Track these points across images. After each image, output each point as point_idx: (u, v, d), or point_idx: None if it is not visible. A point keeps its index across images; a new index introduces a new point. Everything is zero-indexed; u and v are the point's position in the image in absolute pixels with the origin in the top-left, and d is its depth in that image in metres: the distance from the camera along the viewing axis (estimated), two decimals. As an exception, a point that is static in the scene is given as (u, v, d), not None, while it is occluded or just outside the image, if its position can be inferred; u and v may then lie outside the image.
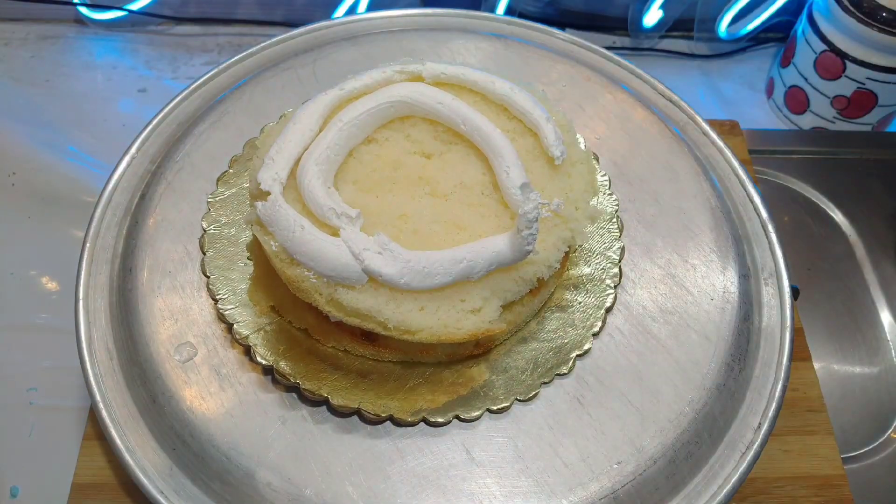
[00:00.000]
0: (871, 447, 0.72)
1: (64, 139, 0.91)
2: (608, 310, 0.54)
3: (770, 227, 0.60)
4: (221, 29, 1.06)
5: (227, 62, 0.68)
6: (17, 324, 0.77)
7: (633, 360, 0.52)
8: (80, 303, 0.55)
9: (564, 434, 0.49)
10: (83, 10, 1.02)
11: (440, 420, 0.49)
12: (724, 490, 0.49)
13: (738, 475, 0.50)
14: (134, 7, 1.02)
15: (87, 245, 0.57)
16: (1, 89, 0.96)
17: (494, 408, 0.50)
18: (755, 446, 0.51)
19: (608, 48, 0.71)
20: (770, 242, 0.60)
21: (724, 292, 0.55)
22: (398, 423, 0.49)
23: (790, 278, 0.58)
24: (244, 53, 0.68)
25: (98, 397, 0.51)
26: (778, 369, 0.54)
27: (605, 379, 0.52)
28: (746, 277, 0.57)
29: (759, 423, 0.52)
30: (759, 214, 0.61)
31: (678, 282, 0.56)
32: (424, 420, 0.49)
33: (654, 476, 0.49)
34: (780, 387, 0.53)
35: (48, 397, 0.72)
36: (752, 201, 0.62)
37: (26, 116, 0.93)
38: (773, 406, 0.53)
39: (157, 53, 1.03)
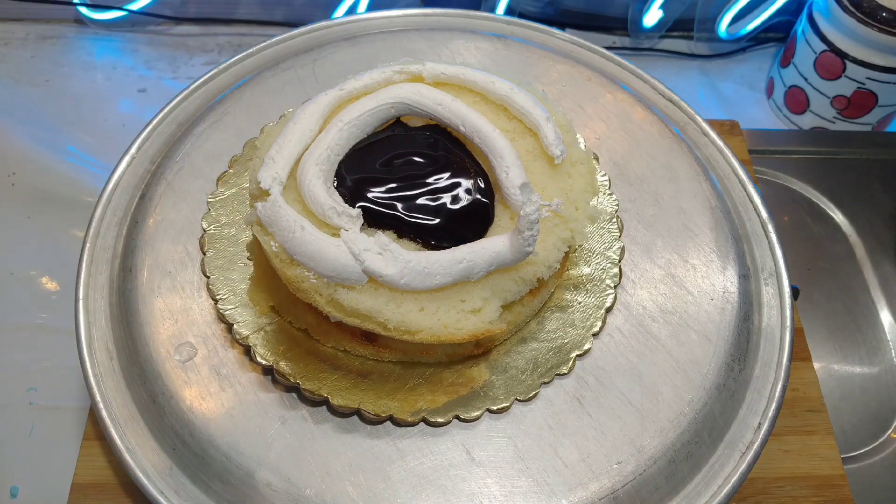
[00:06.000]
0: (871, 447, 0.72)
1: (64, 139, 0.91)
2: (608, 310, 0.54)
3: (770, 227, 0.60)
4: (221, 29, 1.06)
5: (227, 62, 0.68)
6: (17, 324, 0.77)
7: (633, 360, 0.52)
8: (80, 303, 0.55)
9: (564, 434, 0.49)
10: (83, 10, 1.02)
11: (440, 420, 0.49)
12: (724, 490, 0.49)
13: (738, 475, 0.50)
14: (134, 7, 1.02)
15: (87, 245, 0.57)
16: (1, 89, 0.96)
17: (494, 408, 0.50)
18: (755, 446, 0.51)
19: (608, 48, 0.71)
20: (770, 242, 0.60)
21: (724, 292, 0.55)
22: (398, 423, 0.49)
23: (790, 278, 0.58)
24: (244, 53, 0.68)
25: (98, 397, 0.51)
26: (778, 369, 0.54)
27: (605, 379, 0.52)
28: (746, 277, 0.57)
29: (759, 423, 0.52)
30: (759, 214, 0.61)
31: (678, 282, 0.56)
32: (424, 420, 0.49)
33: (654, 476, 0.49)
34: (780, 387, 0.53)
35: (48, 397, 0.72)
36: (752, 201, 0.62)
37: (26, 116, 0.93)
38: (773, 406, 0.53)
39: (157, 53, 1.03)
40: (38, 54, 1.01)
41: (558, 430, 0.50)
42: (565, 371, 0.51)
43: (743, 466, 0.50)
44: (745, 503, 0.59)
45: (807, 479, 0.59)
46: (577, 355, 0.52)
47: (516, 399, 0.50)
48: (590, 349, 0.52)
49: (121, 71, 1.01)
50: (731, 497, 0.49)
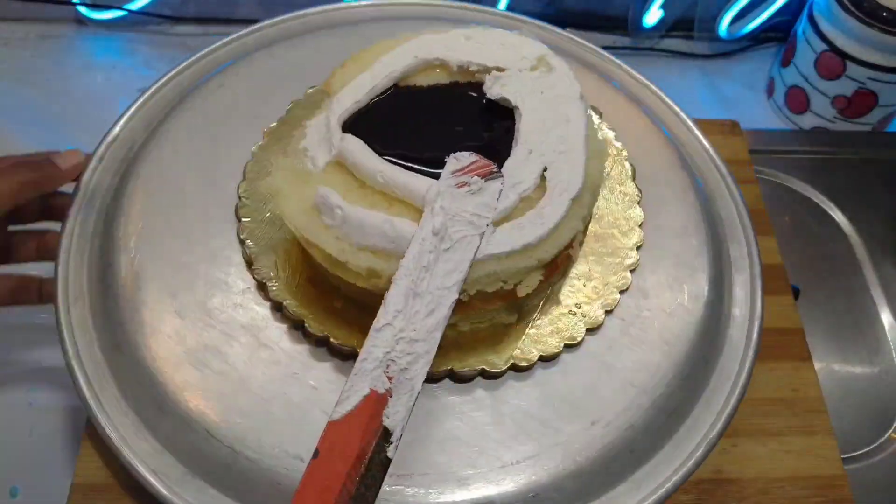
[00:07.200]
0: (871, 447, 0.72)
1: (64, 139, 0.91)
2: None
3: (751, 232, 0.60)
4: (221, 29, 1.06)
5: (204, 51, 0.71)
6: (17, 324, 0.77)
7: (596, 363, 0.52)
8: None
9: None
10: (83, 9, 1.02)
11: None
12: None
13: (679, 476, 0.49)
14: (134, 7, 1.02)
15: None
16: (1, 89, 0.96)
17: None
18: (707, 442, 0.51)
19: (608, 48, 0.71)
20: (749, 245, 0.60)
21: (696, 296, 0.55)
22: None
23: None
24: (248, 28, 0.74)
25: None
26: (738, 377, 0.54)
27: (572, 375, 0.51)
28: (721, 281, 0.56)
29: (706, 434, 0.51)
30: (740, 217, 0.61)
31: (651, 284, 0.55)
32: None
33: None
34: (736, 393, 0.53)
35: (48, 397, 0.72)
36: (735, 204, 0.62)
37: (26, 116, 0.93)
38: (728, 411, 0.52)
39: (157, 53, 1.03)
40: (38, 54, 1.01)
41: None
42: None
43: (690, 463, 0.50)
44: (746, 503, 0.59)
45: (807, 480, 0.59)
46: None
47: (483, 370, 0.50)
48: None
49: (121, 71, 1.01)
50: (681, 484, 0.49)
